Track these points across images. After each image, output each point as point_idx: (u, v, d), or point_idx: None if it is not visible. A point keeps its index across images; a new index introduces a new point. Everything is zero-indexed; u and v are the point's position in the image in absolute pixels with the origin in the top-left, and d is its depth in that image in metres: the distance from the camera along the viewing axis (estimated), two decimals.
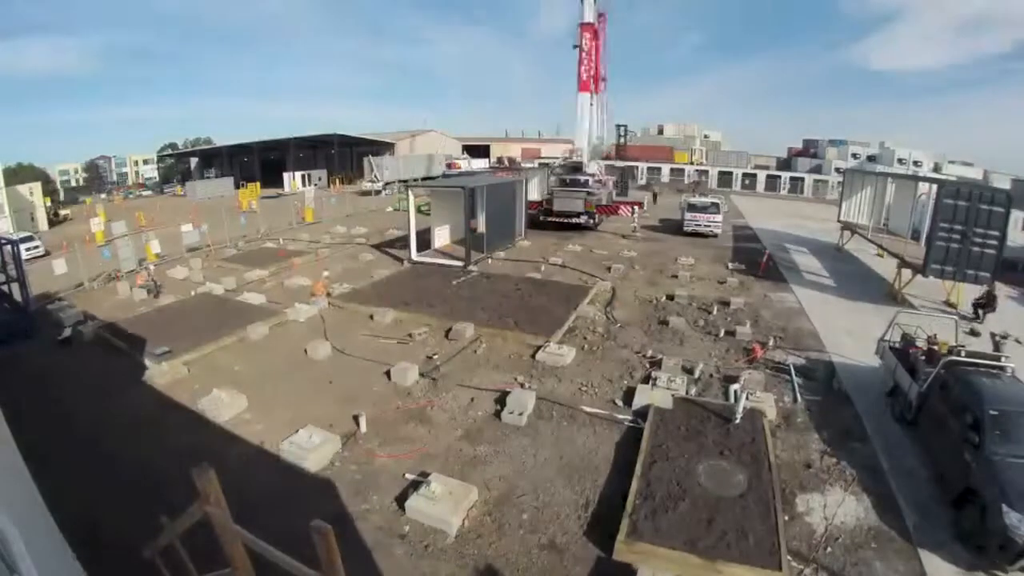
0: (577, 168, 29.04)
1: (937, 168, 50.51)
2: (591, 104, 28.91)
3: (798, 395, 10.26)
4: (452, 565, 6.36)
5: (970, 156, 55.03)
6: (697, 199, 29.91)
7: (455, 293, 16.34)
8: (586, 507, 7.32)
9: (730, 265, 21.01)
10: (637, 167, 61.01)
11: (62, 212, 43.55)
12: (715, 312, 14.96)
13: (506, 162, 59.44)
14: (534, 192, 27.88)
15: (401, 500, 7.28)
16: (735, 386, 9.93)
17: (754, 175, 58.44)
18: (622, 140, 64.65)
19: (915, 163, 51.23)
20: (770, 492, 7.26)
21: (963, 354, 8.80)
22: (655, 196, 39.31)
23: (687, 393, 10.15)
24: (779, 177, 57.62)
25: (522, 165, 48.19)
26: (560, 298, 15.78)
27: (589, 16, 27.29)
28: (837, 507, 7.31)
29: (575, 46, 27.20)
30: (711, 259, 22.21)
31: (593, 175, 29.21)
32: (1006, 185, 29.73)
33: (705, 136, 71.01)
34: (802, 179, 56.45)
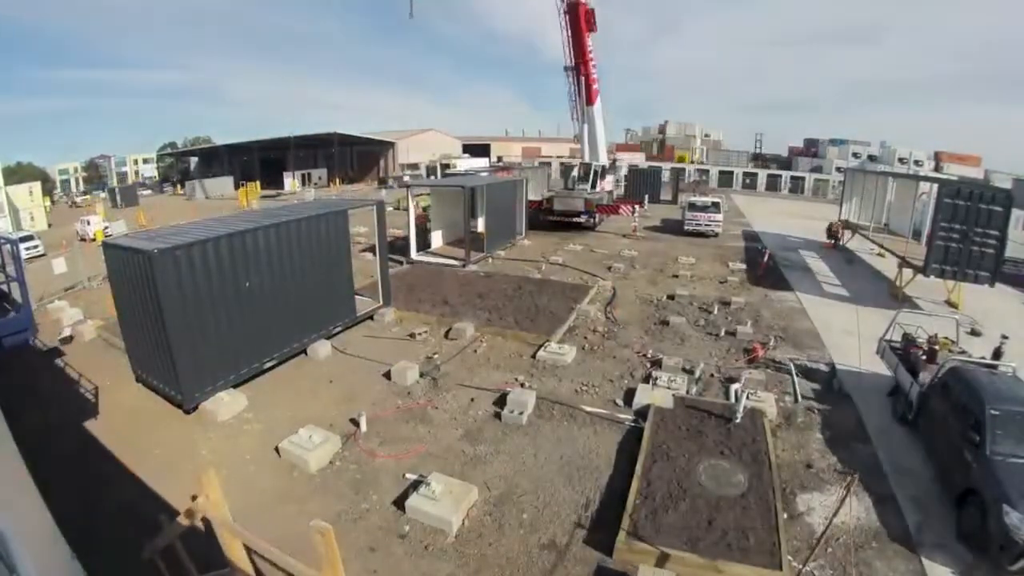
0: (597, 172, 28.94)
1: (938, 167, 50.48)
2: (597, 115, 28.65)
3: (798, 395, 10.25)
4: (452, 564, 6.35)
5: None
6: (698, 199, 29.90)
7: (455, 292, 16.31)
8: (586, 507, 7.31)
9: (731, 264, 21.00)
10: (638, 166, 60.97)
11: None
12: (716, 312, 14.95)
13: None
14: (534, 191, 27.92)
15: (401, 500, 7.26)
16: (736, 386, 9.95)
17: (755, 174, 58.42)
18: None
19: (916, 162, 51.21)
20: (770, 492, 7.25)
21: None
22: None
23: (688, 393, 10.14)
24: (780, 176, 57.60)
25: (522, 165, 48.05)
26: (561, 297, 15.77)
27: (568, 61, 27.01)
28: (837, 507, 7.30)
29: (565, 68, 27.05)
30: (712, 258, 22.20)
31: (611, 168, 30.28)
32: (1007, 185, 29.70)
33: (706, 135, 70.98)
34: (803, 178, 56.44)
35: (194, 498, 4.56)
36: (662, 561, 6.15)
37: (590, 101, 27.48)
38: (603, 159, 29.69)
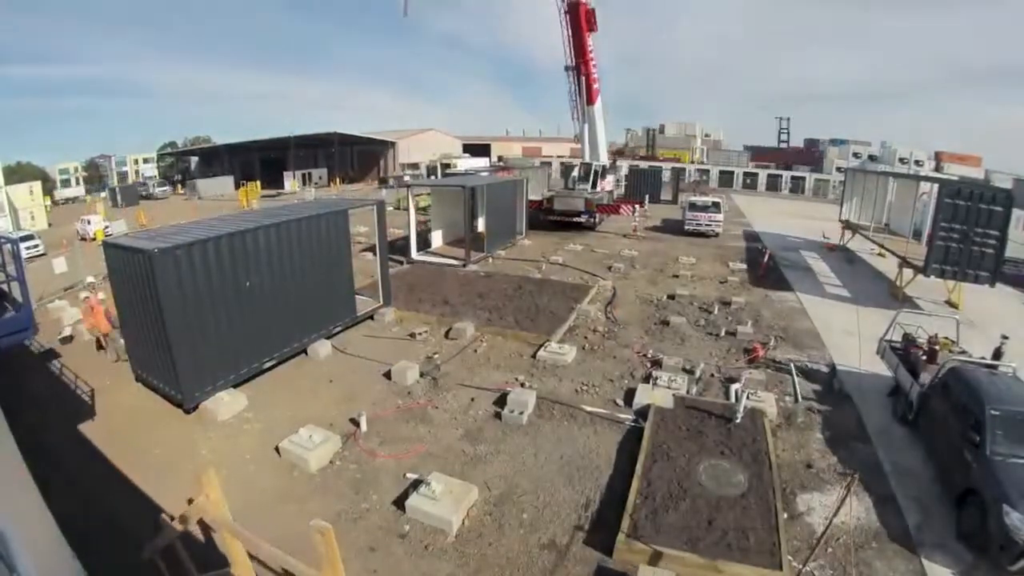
0: (599, 172, 29.11)
1: (938, 167, 50.45)
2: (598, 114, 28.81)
3: (799, 395, 10.25)
4: (452, 564, 6.35)
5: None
6: (698, 198, 29.91)
7: (455, 292, 16.30)
8: (587, 507, 7.31)
9: (731, 264, 21.00)
10: (638, 166, 61.02)
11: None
12: (716, 311, 14.95)
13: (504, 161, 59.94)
14: (534, 191, 28.02)
15: (401, 499, 7.27)
16: (736, 386, 9.95)
17: (755, 174, 58.35)
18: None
19: (916, 162, 51.16)
20: (771, 492, 7.26)
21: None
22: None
23: (688, 393, 10.14)
24: (780, 176, 57.56)
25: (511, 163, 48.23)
26: (561, 297, 15.77)
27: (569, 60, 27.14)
28: (837, 507, 7.31)
29: (566, 68, 27.24)
30: (712, 258, 22.19)
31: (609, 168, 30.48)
32: (1007, 185, 29.69)
33: (706, 135, 70.94)
34: (803, 178, 56.38)
35: (190, 502, 4.55)
36: (662, 561, 6.16)
37: (590, 101, 27.60)
38: (604, 159, 29.78)
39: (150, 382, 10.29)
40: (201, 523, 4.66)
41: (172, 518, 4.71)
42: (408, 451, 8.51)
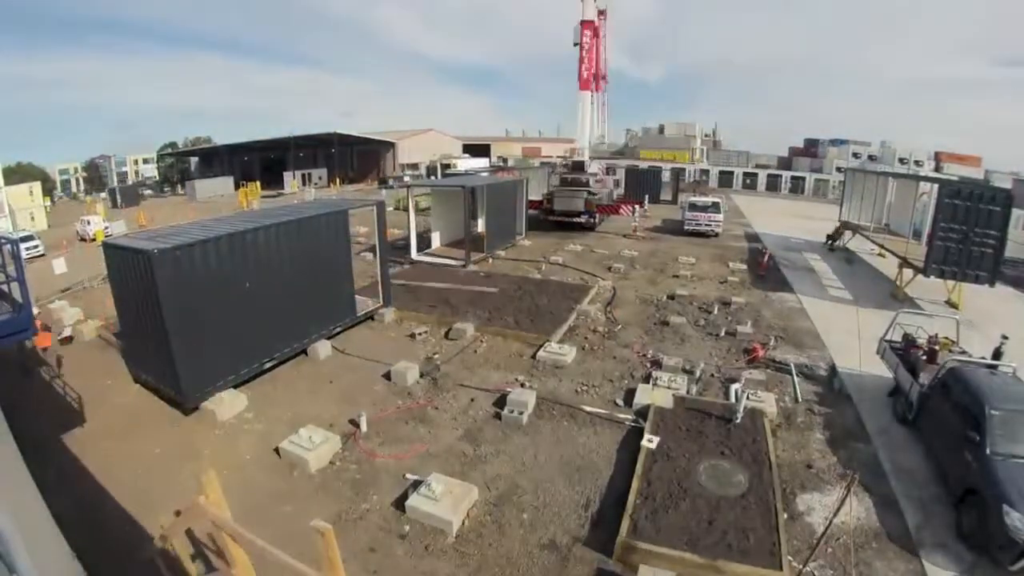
0: (579, 167, 29.22)
1: (938, 167, 50.44)
2: (591, 103, 29.21)
3: (799, 395, 10.25)
4: (452, 565, 6.35)
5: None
6: (698, 199, 29.90)
7: (455, 292, 16.29)
8: (587, 507, 7.31)
9: (731, 264, 21.00)
10: (638, 166, 61.00)
11: None
12: (716, 312, 14.95)
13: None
14: (534, 191, 28.14)
15: (401, 500, 7.26)
16: (736, 386, 9.95)
17: (755, 174, 58.35)
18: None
19: (916, 162, 51.15)
20: (771, 492, 7.25)
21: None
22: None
23: (688, 393, 10.14)
24: (780, 176, 57.56)
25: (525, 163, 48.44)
26: (561, 297, 15.76)
27: (589, 13, 27.62)
28: (838, 507, 7.30)
29: (575, 43, 27.57)
30: (712, 259, 22.19)
31: (595, 174, 29.83)
32: (1007, 185, 29.66)
33: (706, 135, 70.88)
34: (803, 178, 56.38)
35: (178, 514, 4.56)
36: (662, 561, 6.15)
37: (580, 86, 27.92)
38: (585, 144, 30.03)
39: (150, 383, 10.28)
40: (190, 531, 4.66)
41: (177, 513, 4.72)
42: (408, 451, 8.50)
